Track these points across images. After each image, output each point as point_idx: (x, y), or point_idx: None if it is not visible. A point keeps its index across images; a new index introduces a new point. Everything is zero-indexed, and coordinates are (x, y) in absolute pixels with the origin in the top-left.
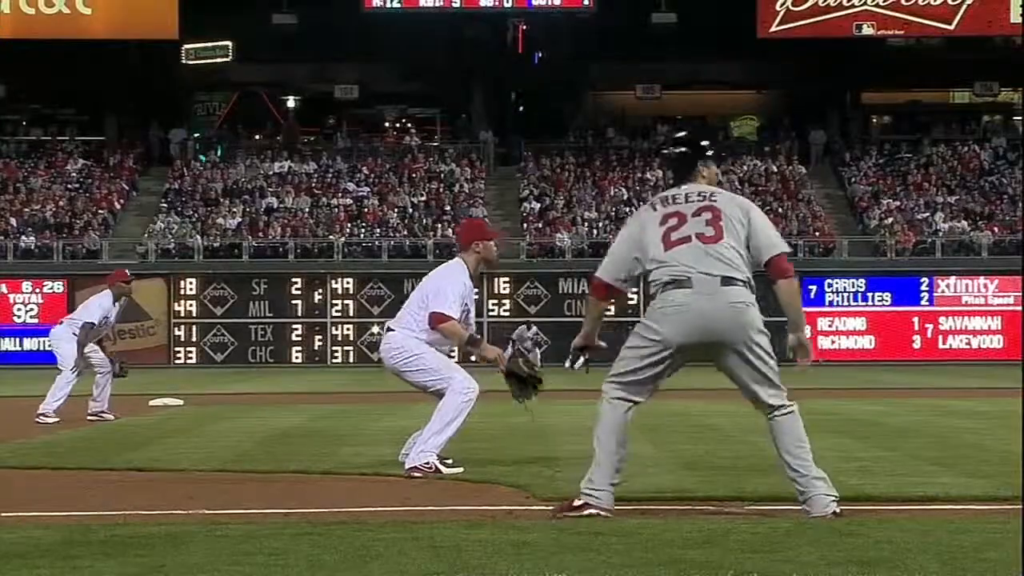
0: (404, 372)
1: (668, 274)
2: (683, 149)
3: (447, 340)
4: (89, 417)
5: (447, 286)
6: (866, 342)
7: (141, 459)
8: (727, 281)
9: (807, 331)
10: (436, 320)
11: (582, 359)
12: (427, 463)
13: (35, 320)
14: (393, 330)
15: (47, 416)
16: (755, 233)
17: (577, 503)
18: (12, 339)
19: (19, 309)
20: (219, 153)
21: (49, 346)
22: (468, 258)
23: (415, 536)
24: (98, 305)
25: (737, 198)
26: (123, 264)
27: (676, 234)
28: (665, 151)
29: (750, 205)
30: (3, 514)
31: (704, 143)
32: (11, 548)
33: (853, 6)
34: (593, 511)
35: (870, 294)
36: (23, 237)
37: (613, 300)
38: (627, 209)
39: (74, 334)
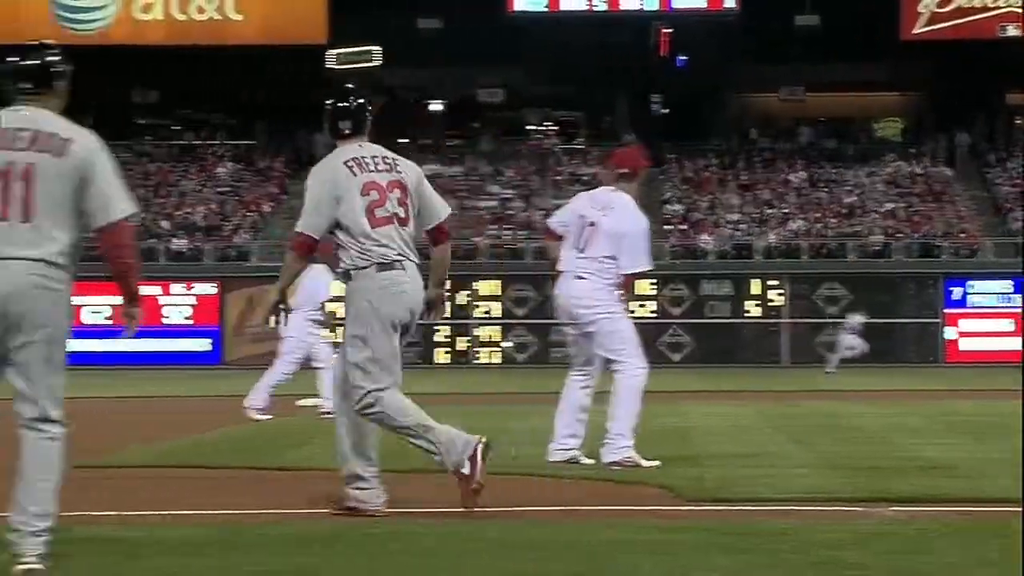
0: (601, 327)
1: (384, 255)
2: (360, 100)
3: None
4: (323, 414)
5: (643, 239)
6: (1013, 344)
7: (294, 458)
8: (418, 267)
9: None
10: (630, 281)
11: (283, 314)
12: (628, 457)
13: (189, 321)
14: (584, 278)
15: (256, 410)
16: (428, 198)
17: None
18: (163, 340)
19: (169, 311)
20: None
21: (286, 335)
22: (631, 188)
23: (562, 536)
24: (321, 282)
25: (412, 165)
26: (273, 266)
27: (380, 211)
28: (342, 104)
29: (420, 170)
30: (159, 512)
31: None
32: (169, 546)
33: (998, 8)
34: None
35: (1016, 296)
36: (174, 239)
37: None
38: (770, 211)
39: (314, 321)
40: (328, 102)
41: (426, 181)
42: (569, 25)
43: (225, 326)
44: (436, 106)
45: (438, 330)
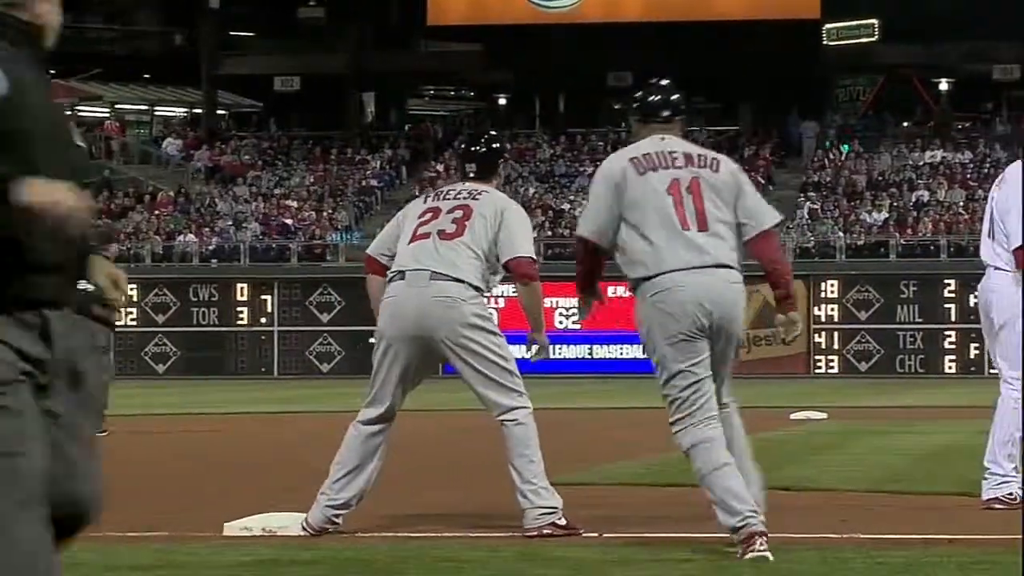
0: (1007, 329)
1: (400, 264)
2: (495, 146)
3: None
4: None
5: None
6: None
7: (787, 477)
8: (436, 276)
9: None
10: (1021, 260)
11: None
12: (1010, 494)
13: None
14: (1000, 268)
15: None
16: (502, 232)
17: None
18: (631, 346)
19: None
20: (863, 142)
21: None
22: None
23: None
24: None
25: (500, 198)
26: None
27: (423, 229)
28: (474, 147)
29: (508, 205)
30: (639, 533)
31: (504, 147)
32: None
33: None
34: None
35: None
36: None
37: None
38: None
39: None
40: (462, 142)
41: (513, 216)
42: None
43: None
44: (943, 85)
45: (947, 336)
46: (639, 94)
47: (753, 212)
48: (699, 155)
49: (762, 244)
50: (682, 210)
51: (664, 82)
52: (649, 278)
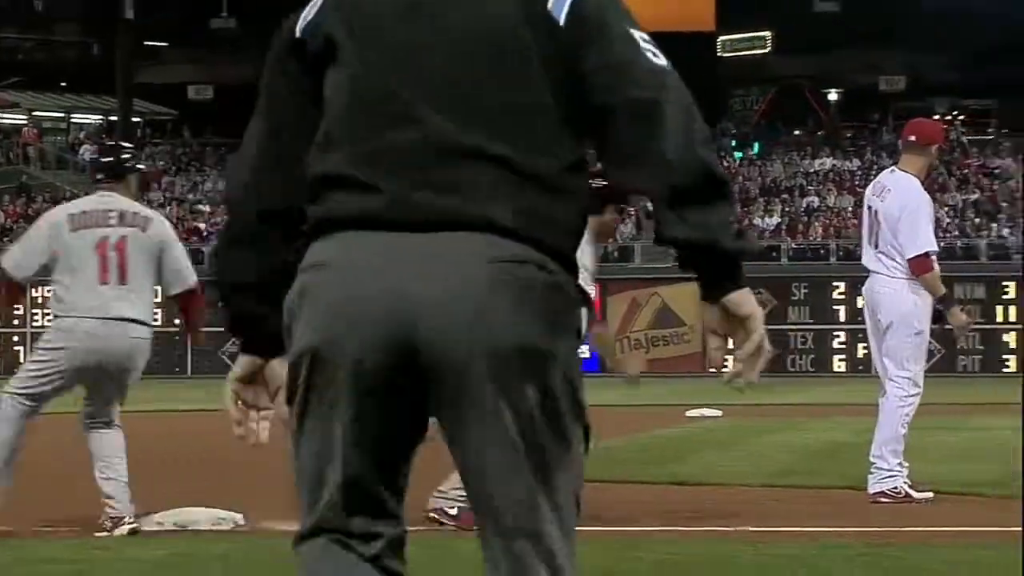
0: (894, 331)
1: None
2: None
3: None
4: None
5: (918, 214)
6: None
7: (682, 473)
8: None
9: None
10: (917, 268)
11: None
12: (895, 488)
13: None
14: (884, 274)
15: None
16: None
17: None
18: None
19: None
20: (756, 150)
21: None
22: (915, 162)
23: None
24: None
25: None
26: (659, 267)
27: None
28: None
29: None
30: None
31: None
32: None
33: None
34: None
35: None
36: None
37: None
38: None
39: None
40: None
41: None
42: (978, 4)
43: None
44: (832, 95)
45: (835, 336)
46: (95, 156)
47: (175, 271)
48: (133, 214)
49: (184, 299)
50: (106, 266)
51: (122, 144)
52: (59, 317)
